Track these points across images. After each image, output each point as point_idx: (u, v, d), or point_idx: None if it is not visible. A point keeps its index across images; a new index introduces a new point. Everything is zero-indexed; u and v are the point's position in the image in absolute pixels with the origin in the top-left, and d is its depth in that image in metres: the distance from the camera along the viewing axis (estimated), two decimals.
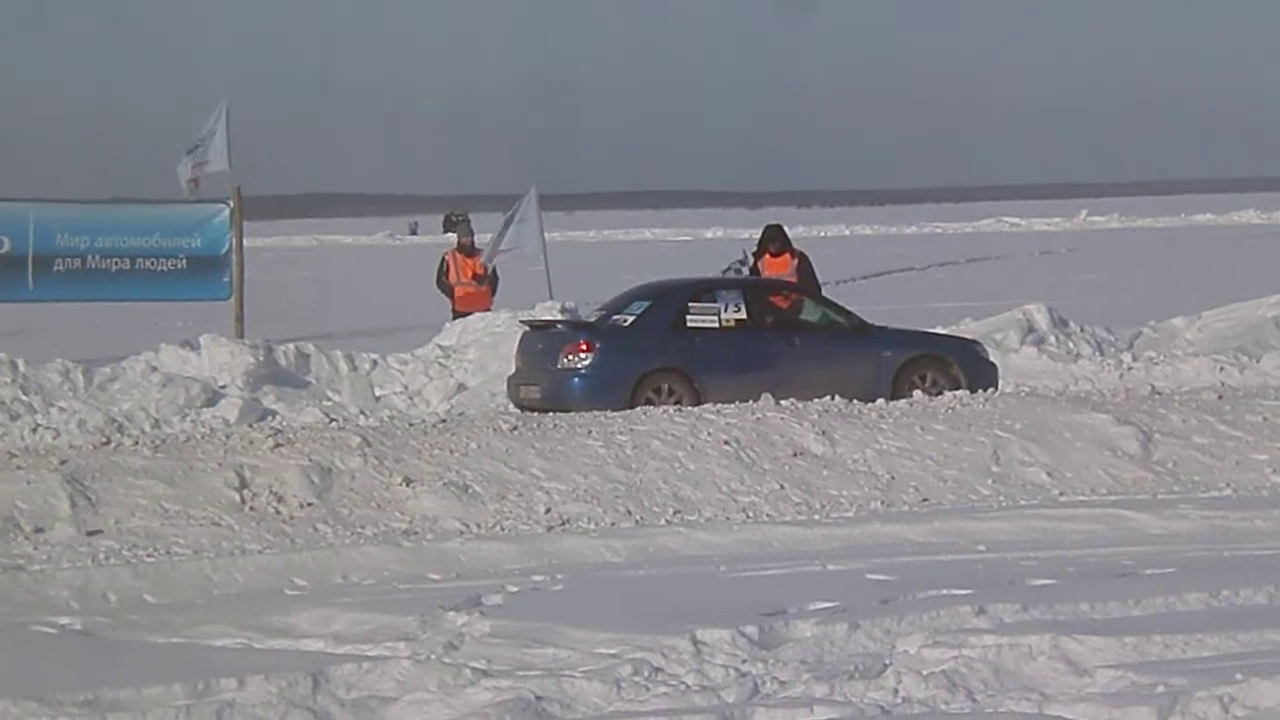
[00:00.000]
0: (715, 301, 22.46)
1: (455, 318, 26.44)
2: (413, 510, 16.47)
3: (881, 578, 13.59)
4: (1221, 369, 24.74)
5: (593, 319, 23.01)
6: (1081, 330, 26.54)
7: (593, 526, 16.33)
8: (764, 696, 10.29)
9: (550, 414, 19.90)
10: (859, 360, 22.19)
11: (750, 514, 16.84)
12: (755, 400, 20.04)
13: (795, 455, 18.05)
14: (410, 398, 23.61)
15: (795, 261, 24.65)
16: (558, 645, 11.56)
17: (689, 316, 22.33)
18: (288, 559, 15.06)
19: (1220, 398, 20.36)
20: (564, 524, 16.40)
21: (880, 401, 20.39)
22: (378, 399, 23.60)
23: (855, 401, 20.20)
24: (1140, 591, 12.47)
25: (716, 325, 22.29)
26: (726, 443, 18.05)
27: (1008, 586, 12.97)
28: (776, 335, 22.46)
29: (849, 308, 23.35)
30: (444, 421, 19.02)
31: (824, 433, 18.48)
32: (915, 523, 16.28)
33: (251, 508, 16.22)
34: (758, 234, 25.69)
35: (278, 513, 16.20)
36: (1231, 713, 8.79)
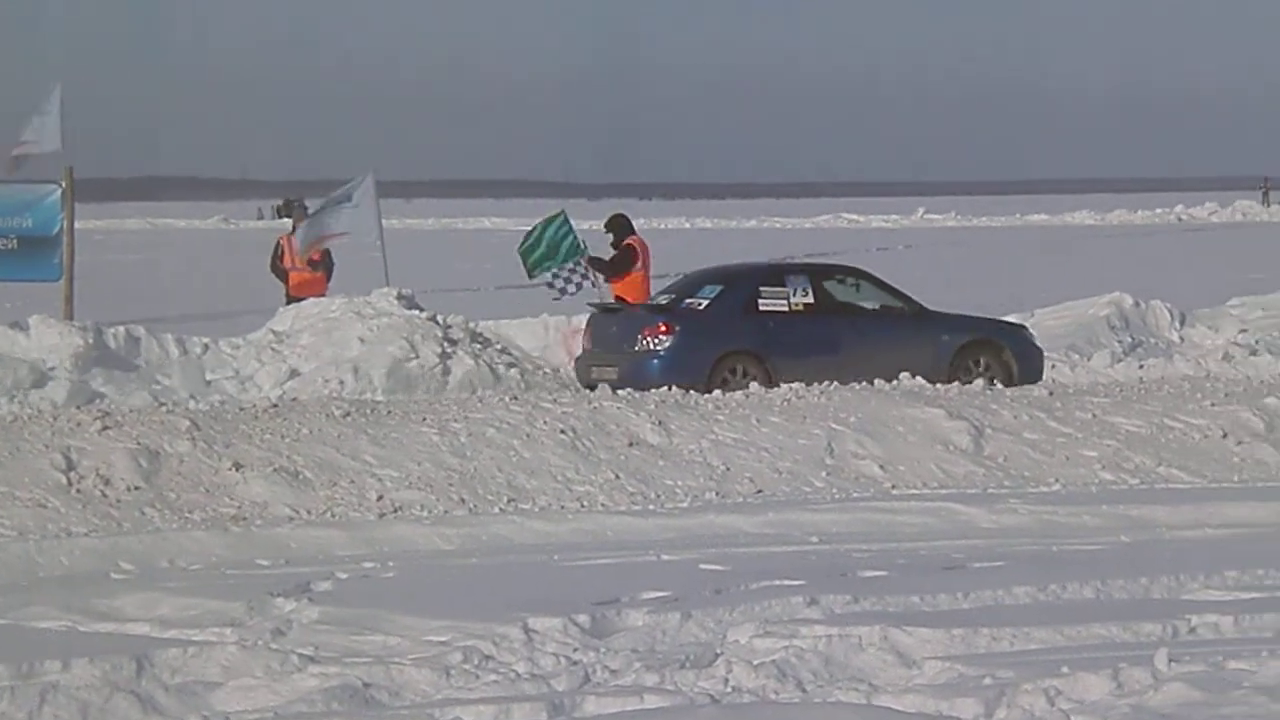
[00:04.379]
0: (784, 285, 23.13)
1: (289, 303, 26.17)
2: (242, 496, 16.27)
3: (715, 568, 13.60)
4: (1053, 366, 24.99)
5: (663, 302, 23.49)
6: None
7: (425, 514, 16.21)
8: (594, 685, 10.25)
9: (386, 401, 19.81)
10: (919, 344, 22.93)
11: (585, 503, 16.79)
12: (823, 382, 20.55)
13: (631, 445, 18.02)
14: (242, 383, 23.33)
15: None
16: (387, 632, 11.45)
17: (760, 300, 22.99)
18: (114, 542, 14.83)
19: (1051, 394, 20.56)
20: (396, 511, 16.27)
21: (716, 393, 20.43)
22: (208, 383, 23.30)
23: (692, 392, 20.28)
24: (969, 584, 12.55)
25: (786, 309, 22.97)
26: (563, 432, 17.99)
27: (839, 578, 13.01)
28: (842, 319, 23.15)
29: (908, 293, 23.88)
30: (275, 407, 18.79)
31: (660, 423, 18.47)
32: (749, 514, 16.30)
33: (78, 490, 15.96)
34: (598, 225, 25.72)
35: (104, 496, 15.95)
36: (1057, 705, 8.85)
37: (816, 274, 23.89)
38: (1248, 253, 66.73)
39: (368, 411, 18.26)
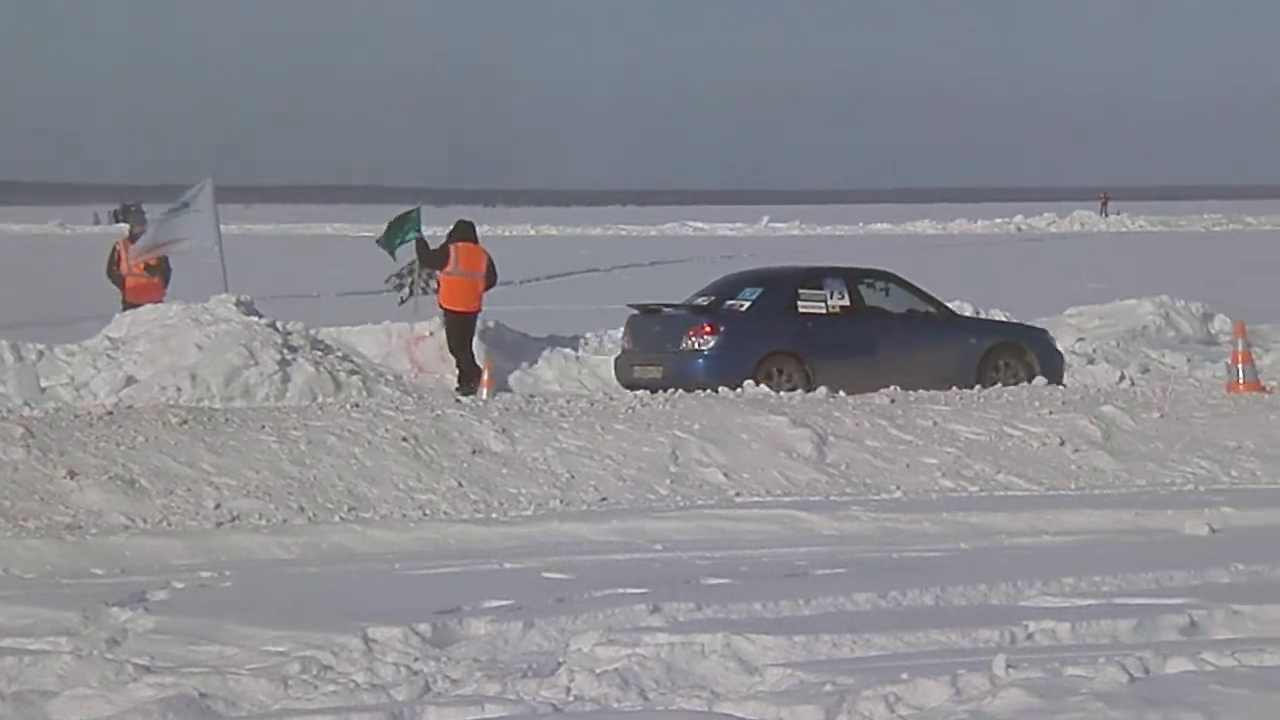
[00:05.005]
0: (822, 288, 24.04)
1: (125, 309, 25.86)
2: (77, 504, 16.02)
3: (558, 576, 13.54)
4: None
5: (702, 303, 24.07)
6: None
7: (264, 523, 16.03)
8: (435, 695, 10.16)
9: (224, 408, 19.65)
10: (949, 346, 23.88)
11: (427, 511, 16.68)
12: (861, 385, 21.22)
13: (474, 453, 17.92)
14: (77, 389, 23.03)
15: (487, 256, 24.86)
16: (224, 642, 11.30)
17: (799, 302, 23.87)
18: None
19: (892, 401, 20.68)
20: (234, 520, 16.07)
21: (561, 401, 20.41)
22: (43, 390, 22.98)
23: (535, 399, 20.26)
24: (811, 591, 12.58)
25: (824, 311, 23.88)
26: (405, 439, 17.86)
27: (683, 585, 13.00)
28: (877, 321, 24.03)
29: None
30: (111, 414, 18.52)
31: (504, 430, 18.39)
32: (593, 521, 16.26)
33: None
34: (441, 231, 25.71)
35: None
36: (896, 711, 8.87)
37: (852, 277, 24.60)
38: (1085, 263, 67.63)
39: (205, 419, 18.04)
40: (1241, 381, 22.93)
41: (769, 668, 10.29)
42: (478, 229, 25.75)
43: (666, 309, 24.43)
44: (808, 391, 21.98)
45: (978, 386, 22.85)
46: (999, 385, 23.00)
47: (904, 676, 9.51)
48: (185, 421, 17.79)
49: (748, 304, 23.78)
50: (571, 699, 9.97)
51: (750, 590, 12.69)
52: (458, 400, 19.98)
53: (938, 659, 10.37)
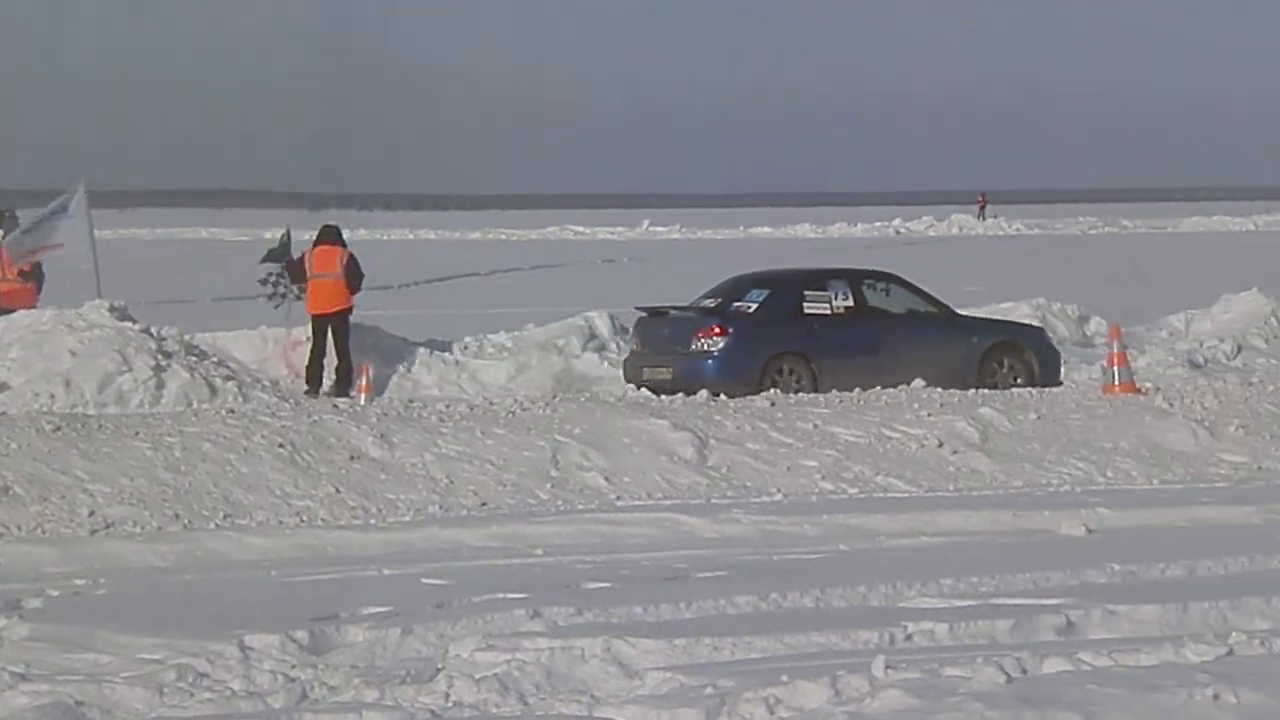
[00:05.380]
0: (826, 290, 24.49)
1: None
2: None
3: (437, 582, 13.47)
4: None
5: (710, 305, 24.44)
6: None
7: (138, 530, 15.86)
8: (312, 702, 10.08)
9: (98, 415, 19.47)
10: (951, 345, 24.26)
11: (304, 518, 16.55)
12: (866, 383, 22.10)
13: (352, 459, 17.81)
14: None
15: (345, 254, 24.71)
16: (99, 650, 11.17)
17: (805, 304, 24.29)
18: None
19: (773, 404, 20.72)
20: (108, 527, 15.89)
21: (440, 406, 20.34)
22: None
23: (414, 404, 20.17)
24: (692, 594, 12.58)
25: (829, 312, 24.30)
26: (281, 445, 17.72)
27: (563, 590, 12.96)
28: (880, 322, 24.45)
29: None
30: None
31: (382, 436, 18.28)
32: (473, 527, 16.19)
33: None
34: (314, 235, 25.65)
35: None
36: (776, 713, 8.87)
37: (855, 278, 25.08)
38: (964, 266, 68.07)
39: (79, 426, 17.83)
40: (1117, 383, 23.12)
41: (649, 671, 10.27)
42: (345, 233, 25.64)
43: (674, 311, 24.88)
44: (815, 392, 22.68)
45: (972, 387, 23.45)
46: (997, 382, 24.00)
47: (784, 679, 9.52)
48: (59, 428, 17.58)
49: (755, 306, 24.28)
50: (450, 705, 9.91)
51: (631, 594, 12.66)
52: (334, 406, 19.84)
53: (817, 661, 10.39)
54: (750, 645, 10.95)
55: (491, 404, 20.52)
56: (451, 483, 17.68)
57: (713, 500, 17.61)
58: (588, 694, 10.01)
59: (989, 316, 25.96)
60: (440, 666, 10.61)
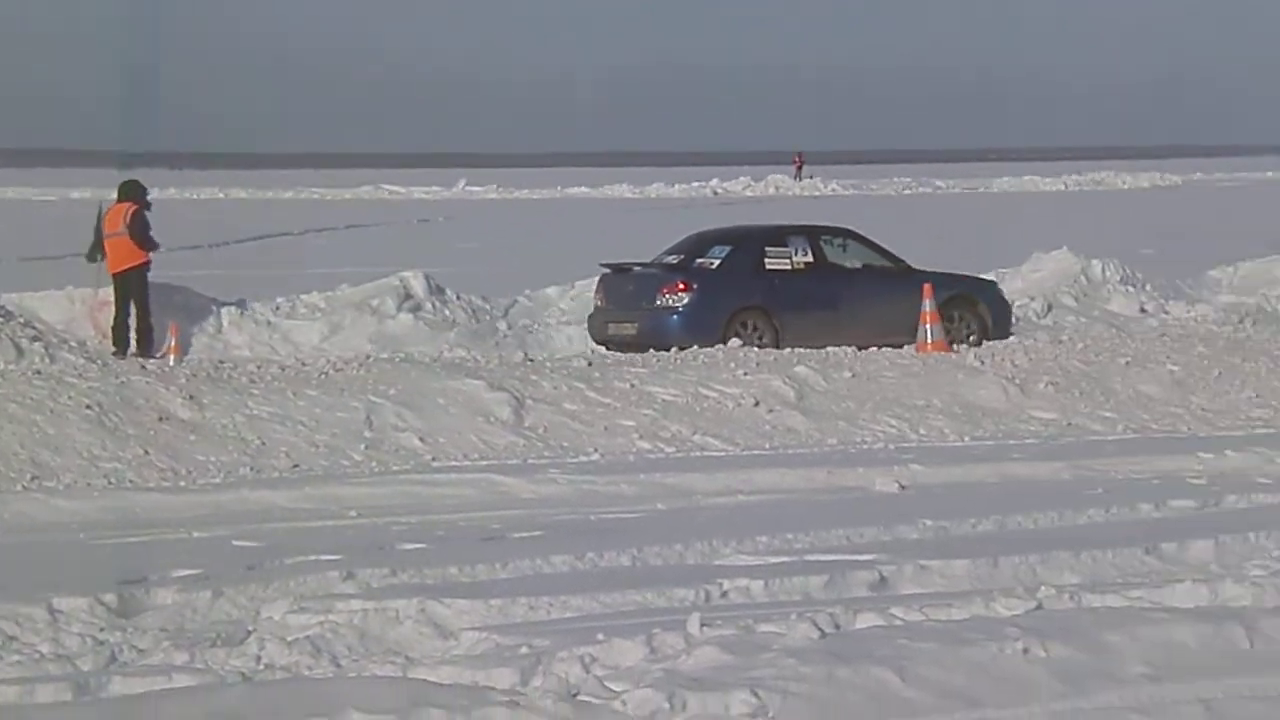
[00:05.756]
0: (787, 246, 24.89)
1: None
2: None
3: (248, 544, 13.31)
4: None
5: (673, 261, 24.85)
6: (458, 298, 26.67)
7: None
8: (121, 665, 9.92)
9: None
10: (907, 299, 24.14)
11: (113, 480, 16.29)
12: (826, 338, 22.83)
13: (161, 420, 17.56)
14: None
15: (129, 209, 24.17)
16: None
17: (766, 260, 24.67)
18: None
19: (590, 365, 20.71)
20: None
21: (251, 366, 20.10)
22: None
23: (225, 365, 19.93)
24: (508, 555, 12.53)
25: (789, 267, 24.68)
26: (89, 407, 17.43)
27: (377, 551, 12.86)
28: (839, 276, 24.92)
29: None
30: None
31: (192, 397, 18.04)
32: (285, 488, 16.01)
33: None
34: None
35: None
36: (592, 672, 8.84)
37: (814, 234, 25.44)
38: None
39: None
40: (930, 341, 23.36)
41: (464, 632, 10.22)
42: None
43: (638, 268, 25.19)
44: (777, 346, 23.07)
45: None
46: (953, 334, 24.20)
47: (600, 637, 9.50)
48: None
49: (718, 262, 24.63)
50: (261, 667, 9.80)
51: (446, 555, 12.60)
52: (143, 367, 19.54)
53: (634, 619, 10.40)
54: (566, 605, 10.93)
55: (304, 365, 20.31)
56: (263, 444, 17.49)
57: (529, 461, 17.55)
58: (402, 655, 9.94)
59: (944, 271, 26.23)
60: (251, 629, 10.49)
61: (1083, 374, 21.18)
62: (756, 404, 19.60)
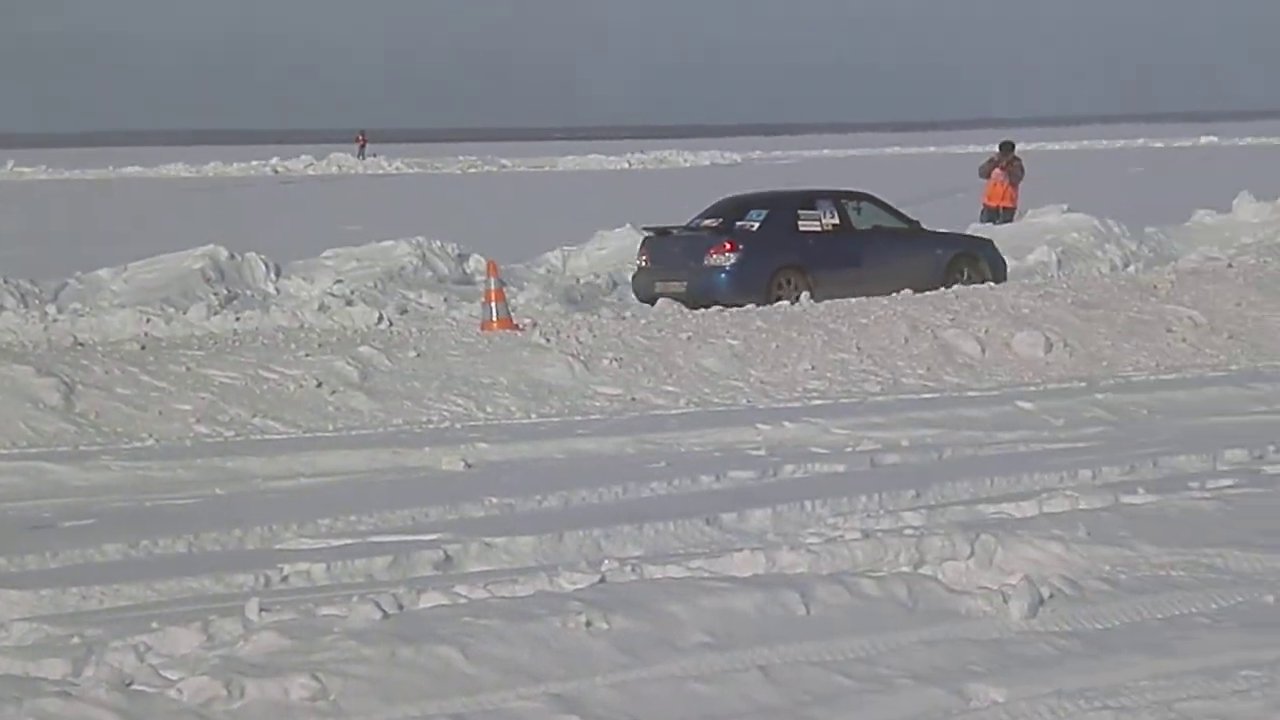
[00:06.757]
0: (816, 209, 27.68)
1: None
2: None
3: None
4: (148, 320, 24.61)
5: (715, 225, 27.34)
6: (4, 281, 25.84)
7: None
8: None
9: None
10: (921, 256, 27.55)
11: None
12: (851, 291, 24.84)
13: None
14: None
15: None
16: None
17: (800, 222, 27.44)
18: None
19: (144, 348, 20.17)
20: None
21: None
22: None
23: None
24: (58, 544, 12.12)
25: (819, 228, 27.46)
26: None
27: None
28: (862, 236, 27.68)
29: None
30: None
31: None
32: None
33: None
34: None
35: None
36: (147, 660, 8.56)
37: (838, 198, 28.33)
38: (343, 205, 67.94)
39: None
40: (495, 319, 23.34)
41: (14, 623, 9.84)
42: None
43: (680, 231, 27.71)
44: (813, 299, 25.04)
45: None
46: (957, 285, 26.27)
47: (154, 625, 9.24)
48: None
49: (757, 224, 27.20)
50: None
51: None
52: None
53: (191, 606, 10.16)
54: (120, 593, 10.61)
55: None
56: None
57: (81, 447, 16.98)
58: None
59: (950, 232, 29.62)
60: None
61: (646, 349, 21.37)
62: (319, 385, 19.32)
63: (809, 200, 28.19)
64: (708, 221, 27.75)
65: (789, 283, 26.45)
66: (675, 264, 27.07)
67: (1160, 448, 15.44)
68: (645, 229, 28.61)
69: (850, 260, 27.15)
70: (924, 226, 28.57)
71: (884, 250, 27.52)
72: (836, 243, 27.35)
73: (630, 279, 28.30)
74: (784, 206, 27.91)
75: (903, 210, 29.46)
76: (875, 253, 27.44)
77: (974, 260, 28.09)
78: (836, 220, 27.64)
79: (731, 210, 27.93)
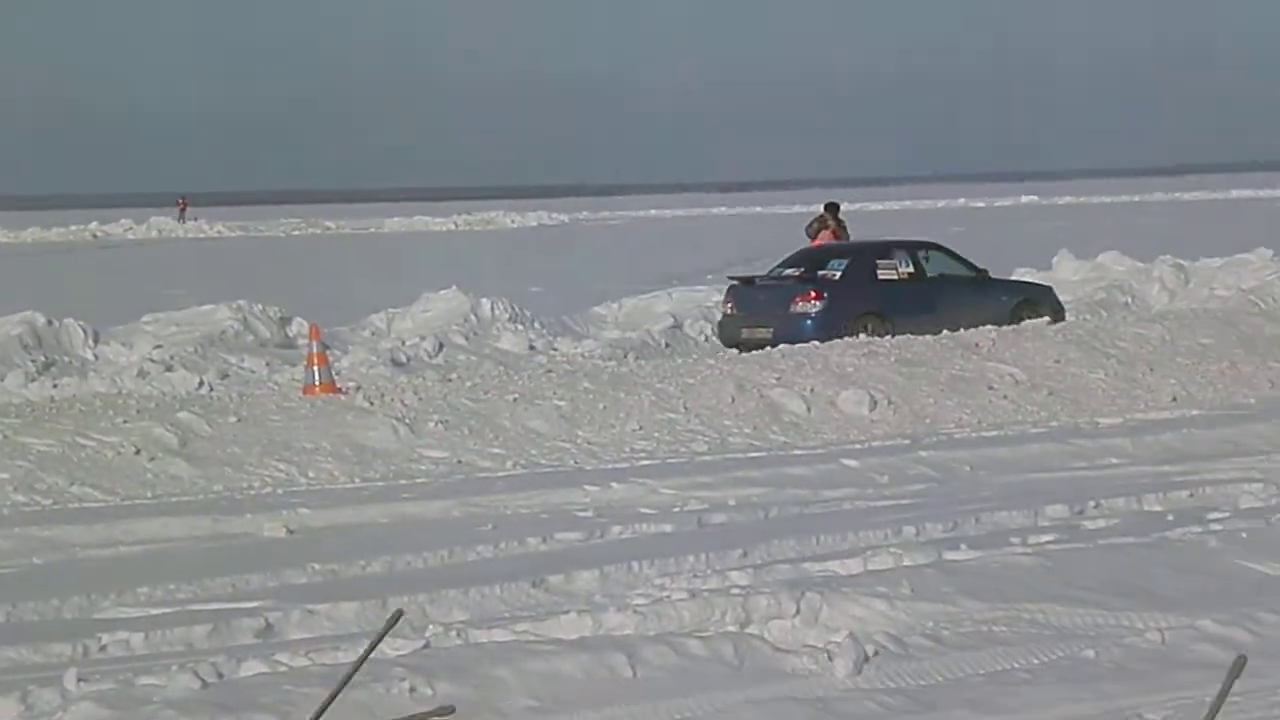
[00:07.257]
0: (892, 259, 29.42)
1: None
2: None
3: None
4: None
5: (798, 274, 29.18)
6: None
7: None
8: None
9: None
10: (988, 302, 29.16)
11: None
12: (928, 334, 25.46)
13: None
14: None
15: None
16: None
17: (878, 271, 29.18)
18: None
19: None
20: None
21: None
22: None
23: None
24: None
25: (896, 277, 29.21)
26: None
27: None
28: (934, 284, 29.38)
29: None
30: None
31: None
32: None
33: None
34: None
35: None
36: None
37: (911, 248, 30.10)
38: (163, 270, 67.31)
39: None
40: (318, 383, 23.13)
41: None
42: None
43: (764, 280, 29.62)
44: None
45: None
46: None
47: None
48: None
49: (839, 274, 28.94)
50: None
51: None
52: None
53: (8, 676, 9.97)
54: None
55: None
56: None
57: None
58: None
59: (1014, 279, 32.35)
60: None
61: (472, 411, 21.27)
62: (138, 452, 19.02)
63: (886, 250, 29.96)
64: (790, 271, 29.57)
65: (868, 328, 27.63)
66: (762, 311, 28.74)
67: (982, 504, 15.60)
68: (730, 277, 30.44)
69: (926, 306, 28.56)
70: (991, 276, 30.33)
71: (954, 296, 29.08)
72: (912, 290, 29.02)
73: (716, 325, 30.11)
74: (863, 256, 29.76)
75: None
76: (947, 298, 28.97)
77: (1035, 305, 29.61)
78: (911, 269, 29.34)
79: (812, 261, 29.78)
